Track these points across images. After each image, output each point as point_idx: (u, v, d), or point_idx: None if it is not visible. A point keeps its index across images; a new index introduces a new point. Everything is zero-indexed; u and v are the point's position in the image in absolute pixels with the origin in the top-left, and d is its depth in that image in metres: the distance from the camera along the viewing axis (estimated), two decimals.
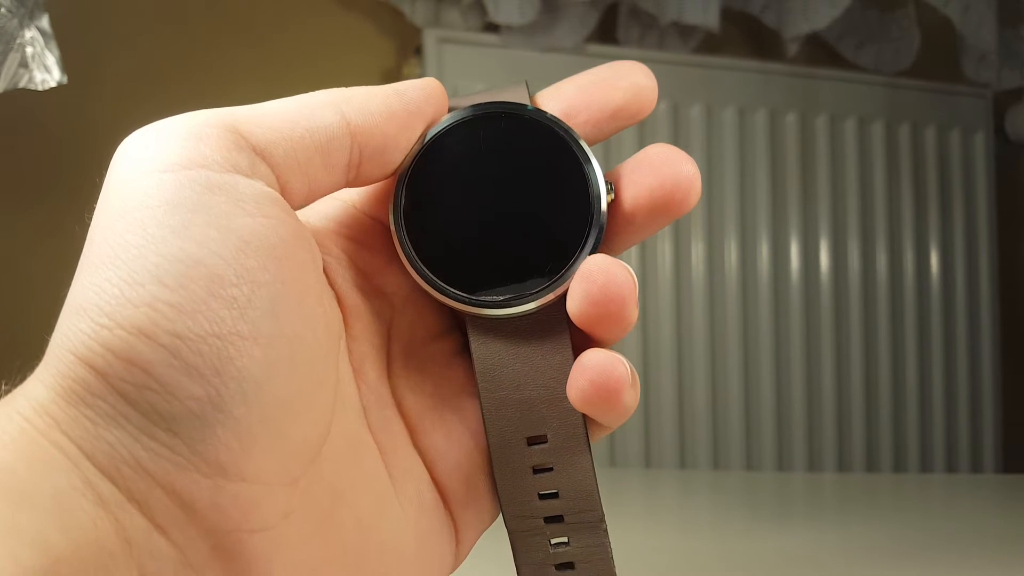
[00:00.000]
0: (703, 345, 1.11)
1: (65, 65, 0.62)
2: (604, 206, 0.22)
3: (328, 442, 0.20)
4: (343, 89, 0.21)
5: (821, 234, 1.17)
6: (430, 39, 1.01)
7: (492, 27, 1.05)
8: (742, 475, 0.98)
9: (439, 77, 1.00)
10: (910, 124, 1.21)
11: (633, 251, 1.07)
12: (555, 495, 0.22)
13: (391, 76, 1.06)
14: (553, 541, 0.23)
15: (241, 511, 0.18)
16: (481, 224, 0.22)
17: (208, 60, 0.99)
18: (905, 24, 1.19)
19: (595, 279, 0.20)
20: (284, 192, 0.20)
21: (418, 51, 1.02)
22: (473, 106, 0.23)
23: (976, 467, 1.24)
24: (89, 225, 0.19)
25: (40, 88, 0.60)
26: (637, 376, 0.21)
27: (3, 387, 0.18)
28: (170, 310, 0.17)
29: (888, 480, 0.90)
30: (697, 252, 1.11)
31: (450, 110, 0.23)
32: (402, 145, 0.22)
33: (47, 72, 0.60)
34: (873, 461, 1.18)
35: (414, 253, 0.22)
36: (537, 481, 0.22)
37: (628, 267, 0.21)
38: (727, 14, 1.12)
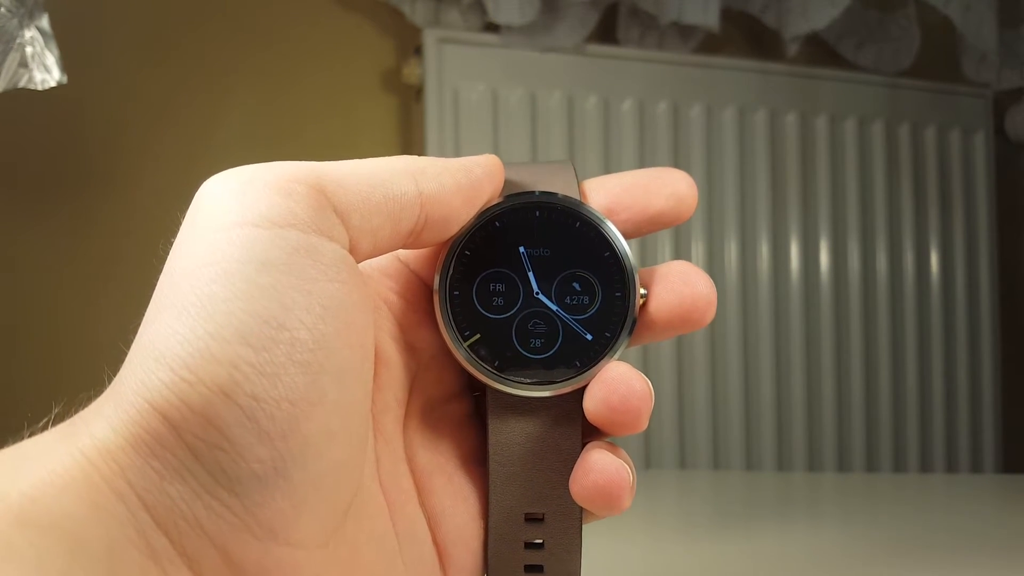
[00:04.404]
0: (703, 345, 1.11)
1: (65, 65, 0.62)
2: (636, 312, 0.23)
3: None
4: (417, 159, 0.22)
5: (821, 234, 1.17)
6: (430, 39, 1.01)
7: (492, 27, 1.04)
8: (742, 475, 0.98)
9: (439, 77, 1.00)
10: (910, 124, 1.21)
11: (634, 251, 1.07)
12: (540, 568, 0.23)
13: (391, 76, 1.06)
14: None
15: (283, 574, 0.18)
16: (520, 306, 0.23)
17: (209, 60, 0.99)
18: (905, 24, 1.19)
19: (616, 388, 0.21)
20: (352, 251, 0.20)
21: (418, 51, 1.02)
22: (529, 193, 0.24)
23: (976, 467, 1.23)
24: (166, 257, 0.19)
25: (40, 88, 0.60)
26: (636, 477, 0.22)
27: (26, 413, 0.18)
28: (252, 371, 0.17)
29: (888, 480, 0.90)
30: (697, 252, 1.11)
31: (505, 182, 0.24)
32: (463, 218, 0.22)
33: (47, 72, 0.60)
34: (873, 461, 1.18)
35: (452, 321, 0.23)
36: (526, 555, 0.23)
37: (647, 380, 0.22)
38: (727, 14, 1.12)
